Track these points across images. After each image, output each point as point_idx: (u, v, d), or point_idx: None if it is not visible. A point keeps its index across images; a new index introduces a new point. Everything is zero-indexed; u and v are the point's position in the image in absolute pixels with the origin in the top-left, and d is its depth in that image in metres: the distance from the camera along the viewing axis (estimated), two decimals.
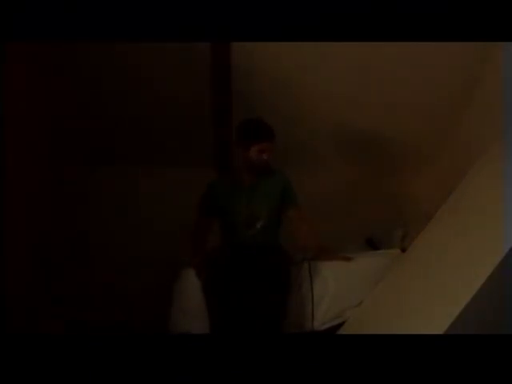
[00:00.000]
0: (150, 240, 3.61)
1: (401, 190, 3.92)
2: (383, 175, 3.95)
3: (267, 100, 3.44)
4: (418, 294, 2.30)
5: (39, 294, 3.19)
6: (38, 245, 3.25)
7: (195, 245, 2.94)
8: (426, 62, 3.29)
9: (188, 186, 3.18)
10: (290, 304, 2.81)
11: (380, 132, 3.73)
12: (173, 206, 3.62)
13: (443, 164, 3.91)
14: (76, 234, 3.62)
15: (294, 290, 2.87)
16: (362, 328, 2.63)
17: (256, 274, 2.80)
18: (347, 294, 2.88)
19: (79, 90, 3.36)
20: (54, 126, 3.40)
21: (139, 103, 3.46)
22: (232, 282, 2.79)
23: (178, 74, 3.30)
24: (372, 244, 3.60)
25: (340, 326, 2.86)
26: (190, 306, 2.84)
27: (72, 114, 3.46)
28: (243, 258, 2.88)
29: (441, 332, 1.84)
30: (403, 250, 3.04)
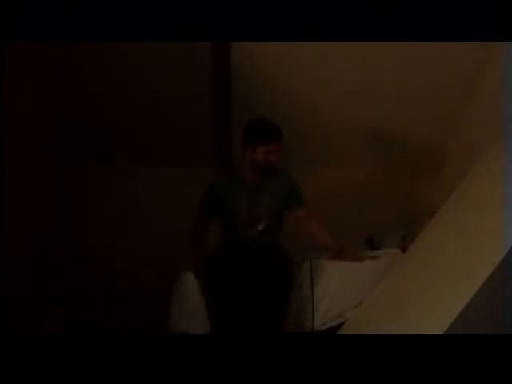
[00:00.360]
0: (150, 240, 3.61)
1: (401, 190, 3.92)
2: (383, 175, 3.95)
3: (267, 100, 3.44)
4: (418, 293, 2.30)
5: (39, 293, 3.19)
6: (38, 245, 3.25)
7: (195, 245, 2.92)
8: (426, 62, 3.29)
9: (188, 186, 3.18)
10: (290, 304, 2.81)
11: (380, 132, 3.73)
12: (173, 206, 3.62)
13: (443, 164, 3.91)
14: (76, 234, 3.62)
15: (294, 289, 2.87)
16: (362, 328, 2.64)
17: (256, 274, 2.80)
18: (347, 294, 2.88)
19: (79, 90, 3.36)
20: (54, 126, 3.40)
21: (139, 103, 3.46)
22: (232, 282, 2.79)
23: (178, 74, 3.30)
24: (372, 244, 3.60)
25: (340, 326, 2.86)
26: (190, 306, 2.84)
27: (72, 114, 3.47)
28: (243, 258, 2.88)
29: (441, 332, 1.84)
30: (403, 250, 3.04)
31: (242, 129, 2.83)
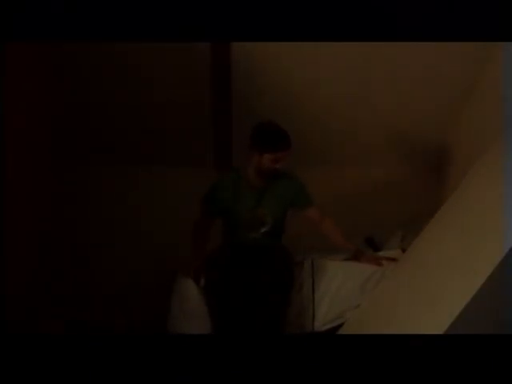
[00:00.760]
0: (150, 240, 3.62)
1: (401, 190, 3.92)
2: (383, 175, 3.95)
3: (267, 100, 3.44)
4: (418, 293, 2.30)
5: (39, 293, 3.19)
6: (38, 245, 3.25)
7: (195, 245, 2.92)
8: (426, 62, 3.29)
9: (188, 186, 3.18)
10: (291, 304, 2.81)
11: (380, 132, 3.73)
12: (173, 205, 3.62)
13: (443, 164, 3.91)
14: (76, 234, 3.62)
15: (295, 290, 2.86)
16: (362, 328, 2.63)
17: (257, 274, 2.80)
18: (348, 295, 2.87)
19: (79, 90, 3.36)
20: (54, 126, 3.40)
21: (139, 103, 3.46)
22: (232, 282, 2.78)
23: (178, 74, 3.30)
24: (372, 244, 3.60)
25: (340, 326, 2.85)
26: (190, 306, 2.83)
27: (72, 114, 3.47)
28: (244, 257, 2.88)
29: (441, 332, 1.83)
30: (403, 250, 3.03)
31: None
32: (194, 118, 3.54)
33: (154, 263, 3.50)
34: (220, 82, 3.39)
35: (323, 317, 2.87)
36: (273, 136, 2.74)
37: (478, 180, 2.60)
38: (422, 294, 2.26)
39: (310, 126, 3.65)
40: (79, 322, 3.19)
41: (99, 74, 3.29)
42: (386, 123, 3.69)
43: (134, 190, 3.72)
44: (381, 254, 3.15)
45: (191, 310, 2.83)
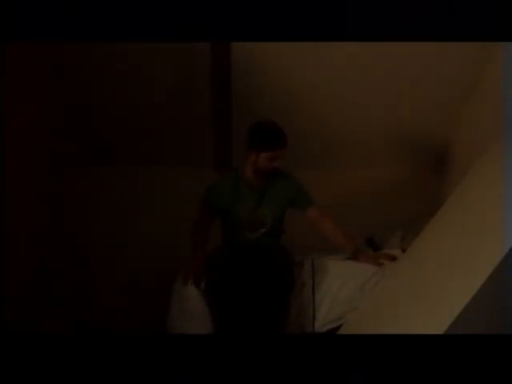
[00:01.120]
0: (150, 240, 3.61)
1: (401, 190, 3.92)
2: (383, 175, 3.95)
3: (267, 100, 3.44)
4: (418, 293, 2.30)
5: (39, 293, 3.19)
6: (38, 245, 3.25)
7: (195, 245, 2.92)
8: (426, 62, 3.29)
9: (188, 186, 3.18)
10: (291, 304, 2.81)
11: (379, 132, 3.73)
12: (173, 205, 3.62)
13: (443, 164, 3.91)
14: (76, 234, 3.62)
15: (295, 290, 2.86)
16: (362, 328, 2.63)
17: (257, 274, 2.80)
18: (349, 296, 2.87)
19: (79, 90, 3.36)
20: (54, 126, 3.40)
21: (139, 103, 3.46)
22: (233, 282, 2.78)
23: (178, 74, 3.30)
24: (372, 244, 3.60)
25: (340, 326, 2.85)
26: (190, 306, 2.83)
27: (72, 114, 3.47)
28: (244, 257, 2.88)
29: (441, 332, 1.83)
30: (403, 250, 3.03)
31: (246, 129, 2.80)
32: (194, 118, 3.54)
33: (154, 263, 3.50)
34: (220, 81, 3.39)
35: (323, 317, 2.87)
36: (268, 135, 2.74)
37: (478, 180, 2.60)
38: (421, 293, 2.26)
39: (310, 126, 3.65)
40: (79, 321, 3.20)
41: (99, 74, 3.29)
42: (386, 123, 3.69)
43: (133, 189, 3.72)
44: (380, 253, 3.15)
45: (191, 310, 2.83)
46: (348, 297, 2.87)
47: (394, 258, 2.96)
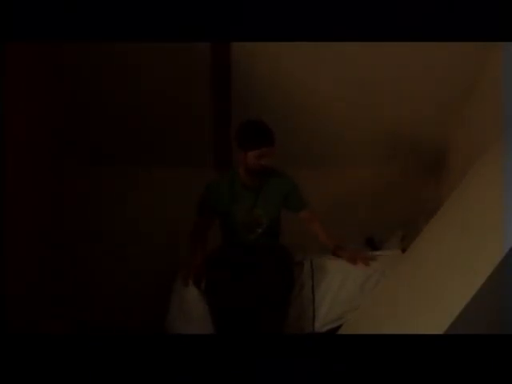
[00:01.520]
0: (150, 240, 3.62)
1: (401, 190, 3.92)
2: (383, 175, 3.95)
3: (267, 100, 3.44)
4: (418, 293, 2.30)
5: (39, 293, 3.19)
6: (38, 245, 3.25)
7: (194, 245, 2.92)
8: (426, 62, 3.29)
9: (188, 186, 3.18)
10: (291, 305, 2.81)
11: (380, 132, 3.73)
12: (172, 205, 3.62)
13: (443, 164, 3.91)
14: (76, 234, 3.62)
15: (295, 290, 2.86)
16: (362, 328, 2.63)
17: (257, 274, 2.80)
18: (348, 295, 2.87)
19: (79, 90, 3.36)
20: (54, 126, 3.40)
21: (139, 103, 3.46)
22: (232, 282, 2.78)
23: (178, 74, 3.30)
24: (372, 244, 3.60)
25: (340, 326, 2.85)
26: (190, 306, 2.83)
27: (72, 114, 3.47)
28: (244, 258, 2.88)
29: (441, 332, 1.83)
30: (403, 250, 3.03)
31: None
32: (194, 117, 3.54)
33: (154, 263, 3.50)
34: (220, 81, 3.39)
35: (323, 317, 2.87)
36: (254, 133, 2.74)
37: (478, 180, 2.60)
38: (421, 293, 2.26)
39: (310, 126, 3.65)
40: (79, 321, 3.20)
41: (99, 74, 3.29)
42: (386, 123, 3.69)
43: (133, 189, 3.72)
44: (379, 253, 3.15)
45: (191, 310, 2.83)
46: (348, 297, 2.87)
47: (374, 257, 2.97)
